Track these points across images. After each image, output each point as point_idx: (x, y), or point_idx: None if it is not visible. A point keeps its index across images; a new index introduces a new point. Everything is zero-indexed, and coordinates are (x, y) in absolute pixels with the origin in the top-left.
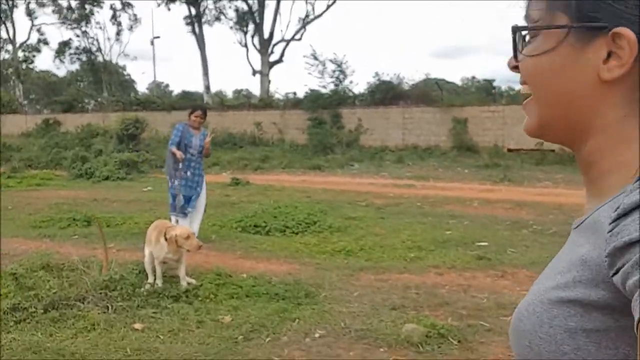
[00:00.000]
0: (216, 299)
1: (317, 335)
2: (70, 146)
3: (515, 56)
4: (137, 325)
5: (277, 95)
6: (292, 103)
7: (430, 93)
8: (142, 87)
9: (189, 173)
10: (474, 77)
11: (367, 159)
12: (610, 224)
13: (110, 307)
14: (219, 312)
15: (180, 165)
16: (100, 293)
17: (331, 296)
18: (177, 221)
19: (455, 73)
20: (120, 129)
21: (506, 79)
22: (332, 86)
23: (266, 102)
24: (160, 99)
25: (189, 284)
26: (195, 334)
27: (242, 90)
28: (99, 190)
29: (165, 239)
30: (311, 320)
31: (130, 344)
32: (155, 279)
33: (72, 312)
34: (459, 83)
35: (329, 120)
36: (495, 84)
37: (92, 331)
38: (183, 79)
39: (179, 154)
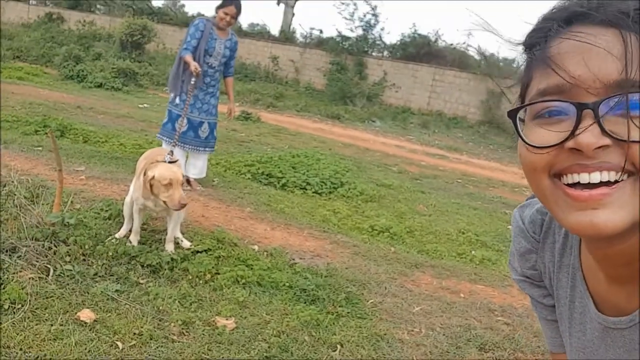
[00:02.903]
0: (214, 283)
1: None
2: (67, 44)
3: (604, 131)
4: (85, 315)
5: (299, 31)
6: (315, 42)
7: (468, 57)
8: (157, 2)
9: (200, 92)
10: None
11: (389, 117)
12: None
13: (50, 270)
14: (217, 307)
15: (193, 80)
16: (41, 245)
17: (382, 307)
18: (171, 152)
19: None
20: (125, 34)
21: None
22: (360, 31)
23: (287, 35)
24: (175, 13)
25: (181, 247)
26: (174, 349)
27: (257, 25)
28: (87, 97)
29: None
30: (360, 350)
31: (61, 354)
32: (130, 233)
33: None
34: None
35: (352, 68)
36: None
37: (8, 314)
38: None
39: (193, 65)
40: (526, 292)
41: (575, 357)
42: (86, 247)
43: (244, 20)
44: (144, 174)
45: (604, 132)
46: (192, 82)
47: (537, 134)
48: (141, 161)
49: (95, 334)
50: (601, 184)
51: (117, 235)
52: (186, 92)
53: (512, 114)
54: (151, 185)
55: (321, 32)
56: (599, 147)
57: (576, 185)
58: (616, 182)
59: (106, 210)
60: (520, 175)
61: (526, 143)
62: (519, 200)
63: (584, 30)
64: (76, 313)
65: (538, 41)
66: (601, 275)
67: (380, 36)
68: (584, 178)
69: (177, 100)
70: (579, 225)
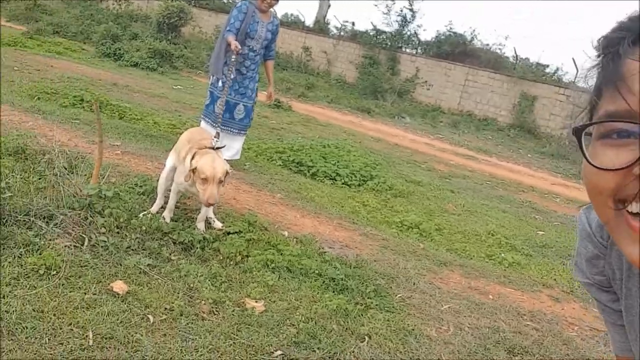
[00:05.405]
0: (244, 265)
1: None
2: (105, 22)
3: None
4: (118, 286)
5: (333, 23)
6: (349, 35)
7: (503, 59)
8: None
9: (240, 75)
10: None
11: (418, 115)
12: None
13: (85, 240)
14: (247, 289)
15: (233, 57)
16: (78, 214)
17: (410, 303)
18: (217, 134)
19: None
20: (162, 15)
21: None
22: (396, 26)
23: (321, 26)
24: None
25: (212, 227)
26: (204, 327)
27: (291, 15)
28: (123, 75)
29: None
30: (388, 344)
31: (93, 322)
32: (162, 209)
33: (22, 236)
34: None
35: (384, 63)
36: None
37: (43, 280)
38: None
39: (234, 43)
40: (593, 296)
41: None
42: (121, 219)
43: (279, 11)
44: (192, 158)
45: None
46: (233, 59)
47: (604, 155)
48: (185, 143)
49: (127, 306)
50: None
51: (151, 210)
52: (227, 74)
53: (578, 132)
54: (192, 172)
55: (353, 24)
56: None
57: None
58: None
59: (141, 186)
60: (549, 181)
61: (591, 164)
62: (549, 207)
63: None
64: (109, 284)
65: (611, 55)
66: None
67: (415, 32)
68: None
69: (219, 83)
70: (633, 258)
